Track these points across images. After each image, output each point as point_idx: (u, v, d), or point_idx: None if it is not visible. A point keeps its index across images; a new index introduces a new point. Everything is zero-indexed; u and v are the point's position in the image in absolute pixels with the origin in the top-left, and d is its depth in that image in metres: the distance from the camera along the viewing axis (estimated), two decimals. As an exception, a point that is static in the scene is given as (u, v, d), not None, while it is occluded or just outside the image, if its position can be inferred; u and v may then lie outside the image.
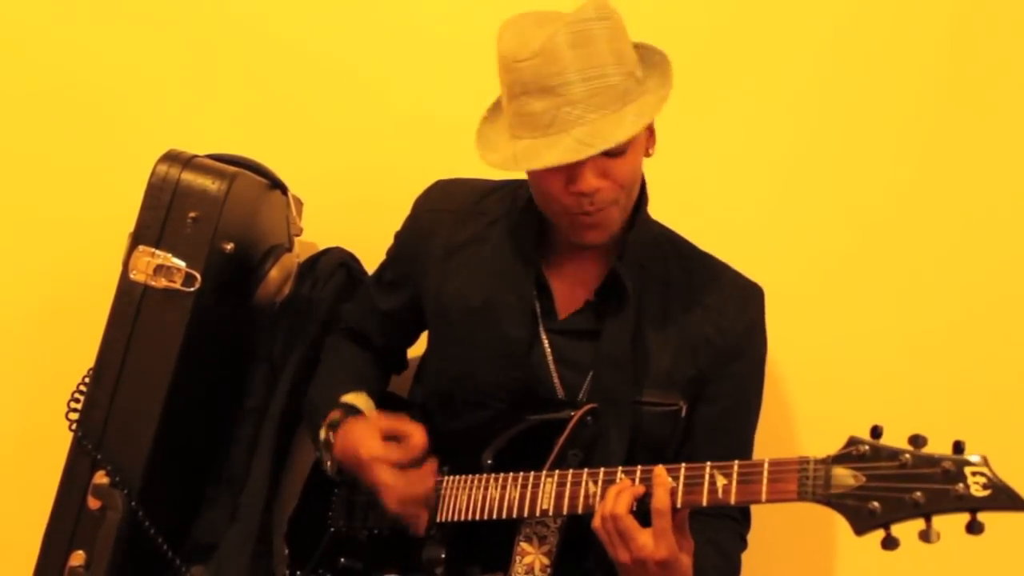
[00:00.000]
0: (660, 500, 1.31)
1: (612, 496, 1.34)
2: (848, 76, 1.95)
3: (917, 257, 1.91)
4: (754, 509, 1.61)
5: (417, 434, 1.50)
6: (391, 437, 1.51)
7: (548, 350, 1.56)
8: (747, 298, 1.61)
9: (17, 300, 2.05)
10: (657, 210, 1.65)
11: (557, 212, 1.48)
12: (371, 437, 1.50)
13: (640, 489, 1.33)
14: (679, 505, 1.30)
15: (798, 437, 1.92)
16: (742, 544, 1.61)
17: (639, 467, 1.36)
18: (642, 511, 1.33)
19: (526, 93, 1.39)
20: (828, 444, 1.22)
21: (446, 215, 1.66)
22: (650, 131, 1.52)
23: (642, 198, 1.59)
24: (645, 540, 1.31)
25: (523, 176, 1.64)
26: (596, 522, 1.35)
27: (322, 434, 1.56)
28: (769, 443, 1.64)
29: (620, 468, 1.37)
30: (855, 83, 1.95)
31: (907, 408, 1.85)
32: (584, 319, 1.56)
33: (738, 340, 1.57)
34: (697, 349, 1.55)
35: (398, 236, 1.74)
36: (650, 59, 1.48)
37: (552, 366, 1.55)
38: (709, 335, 1.56)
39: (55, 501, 1.65)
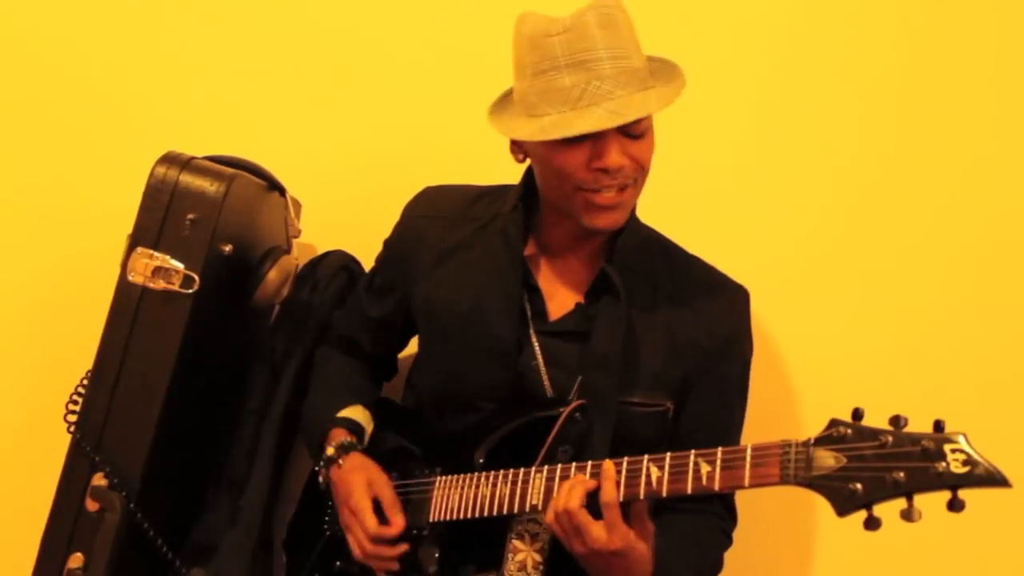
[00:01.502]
0: (608, 493, 1.33)
1: (565, 491, 1.36)
2: (835, 75, 1.96)
3: (895, 245, 1.93)
4: (740, 496, 1.62)
5: (396, 527, 1.52)
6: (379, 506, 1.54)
7: (539, 352, 1.56)
8: (733, 300, 1.62)
9: (15, 301, 2.05)
10: (643, 212, 1.65)
11: (571, 193, 1.48)
12: (365, 493, 1.54)
13: (592, 483, 1.35)
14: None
15: (782, 423, 1.91)
16: (724, 540, 1.61)
17: (590, 462, 1.38)
18: (595, 504, 1.35)
19: (555, 68, 1.42)
20: (812, 429, 1.22)
21: (435, 221, 1.67)
22: None
23: None
24: (599, 533, 1.33)
25: (510, 180, 1.65)
26: (549, 517, 1.37)
27: (329, 451, 1.59)
28: (753, 430, 1.64)
29: (574, 464, 1.39)
30: (839, 81, 1.96)
31: (890, 390, 1.87)
32: (574, 321, 1.57)
33: (724, 342, 1.58)
34: (685, 351, 1.56)
35: (387, 243, 1.74)
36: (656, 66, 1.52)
37: (543, 368, 1.56)
38: (697, 337, 1.57)
39: (53, 503, 1.65)
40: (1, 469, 2.04)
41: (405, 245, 1.69)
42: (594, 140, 1.43)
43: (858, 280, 1.93)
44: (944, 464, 1.10)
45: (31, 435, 1.99)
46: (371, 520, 1.52)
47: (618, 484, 1.33)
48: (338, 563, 1.61)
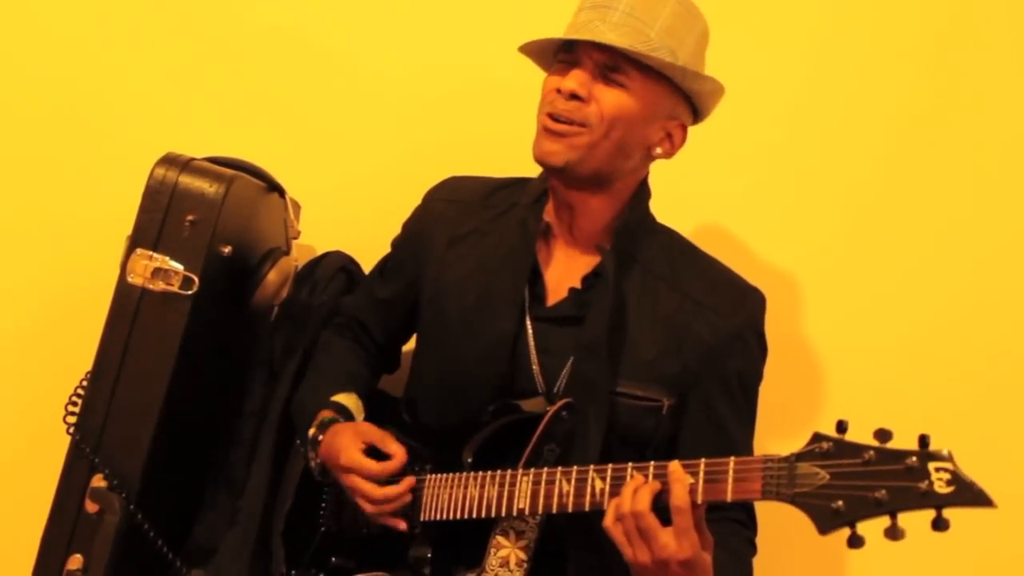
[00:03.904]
0: (679, 497, 1.26)
1: (629, 493, 1.29)
2: (853, 78, 1.95)
3: (897, 256, 1.94)
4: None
5: (398, 455, 1.52)
6: (374, 449, 1.52)
7: (531, 338, 1.56)
8: (744, 299, 1.59)
9: (15, 303, 2.05)
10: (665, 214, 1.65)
11: (539, 115, 1.52)
12: (353, 446, 1.52)
13: (656, 485, 1.29)
14: (700, 500, 1.26)
15: (789, 430, 1.91)
16: (752, 548, 1.59)
17: (652, 463, 1.31)
18: (656, 508, 1.28)
19: (583, 8, 1.52)
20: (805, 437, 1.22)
21: (454, 205, 1.68)
22: (668, 133, 1.55)
23: (642, 192, 1.59)
24: (667, 539, 1.26)
25: (526, 170, 1.65)
26: (609, 520, 1.31)
27: (311, 432, 1.58)
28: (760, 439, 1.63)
29: (611, 466, 1.35)
30: (856, 85, 1.95)
31: (893, 397, 1.88)
32: (569, 306, 1.56)
33: (731, 340, 1.55)
34: (685, 344, 1.53)
35: (406, 223, 1.75)
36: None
37: (533, 354, 1.55)
38: (699, 331, 1.54)
39: (53, 505, 1.65)
40: (1, 470, 2.04)
41: (422, 226, 1.70)
42: (571, 65, 1.49)
43: (859, 285, 1.93)
44: (927, 483, 1.08)
45: (31, 436, 1.99)
46: (369, 464, 1.49)
47: (693, 488, 1.26)
48: (334, 559, 1.61)
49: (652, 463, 1.31)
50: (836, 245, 1.96)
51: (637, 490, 1.29)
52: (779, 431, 1.86)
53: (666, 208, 1.65)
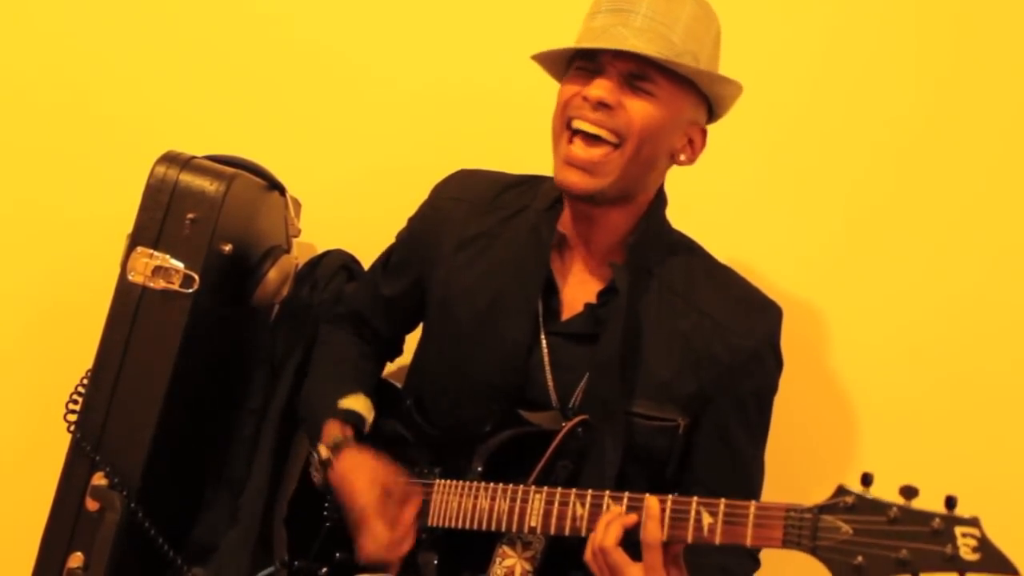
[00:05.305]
0: (651, 534, 1.27)
1: (602, 527, 1.31)
2: (863, 87, 1.94)
3: (924, 267, 1.91)
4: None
5: (411, 509, 1.50)
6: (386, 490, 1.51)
7: (545, 352, 1.54)
8: (761, 315, 1.56)
9: (15, 301, 2.05)
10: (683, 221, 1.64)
11: (560, 133, 1.48)
12: (371, 486, 1.50)
13: (631, 518, 1.30)
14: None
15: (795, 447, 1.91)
16: (754, 564, 1.57)
17: (627, 493, 1.32)
18: (632, 541, 1.29)
19: (599, 12, 1.47)
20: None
21: (463, 204, 1.64)
22: (690, 140, 1.53)
23: (658, 202, 1.57)
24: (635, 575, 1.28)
25: (528, 168, 1.64)
26: (588, 554, 1.32)
27: (323, 452, 1.56)
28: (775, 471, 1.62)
29: (607, 493, 1.34)
30: (873, 94, 1.94)
31: (905, 411, 1.86)
32: (584, 322, 1.54)
33: (747, 359, 1.52)
34: (701, 364, 1.51)
35: (411, 220, 1.72)
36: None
37: (548, 369, 1.53)
38: (716, 351, 1.51)
39: (53, 503, 1.65)
40: (1, 469, 2.04)
41: (429, 225, 1.67)
42: (593, 73, 1.45)
43: (883, 300, 1.92)
44: (952, 547, 1.07)
45: (31, 435, 1.99)
46: (382, 532, 1.48)
47: (663, 523, 1.27)
48: (338, 555, 1.60)
49: (671, 497, 1.30)
50: (855, 255, 1.94)
51: (609, 524, 1.30)
52: (793, 446, 1.84)
53: (683, 215, 1.64)
